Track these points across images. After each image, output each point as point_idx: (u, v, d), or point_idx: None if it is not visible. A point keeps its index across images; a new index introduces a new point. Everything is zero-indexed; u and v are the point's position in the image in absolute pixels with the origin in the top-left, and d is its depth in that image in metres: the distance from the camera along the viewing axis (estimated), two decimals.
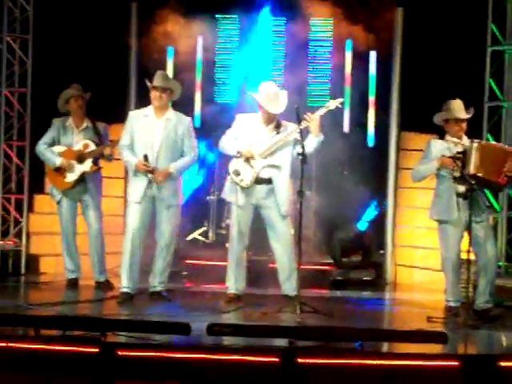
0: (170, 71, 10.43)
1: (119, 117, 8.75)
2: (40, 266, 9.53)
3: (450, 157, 7.42)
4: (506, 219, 9.15)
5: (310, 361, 5.58)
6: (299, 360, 5.56)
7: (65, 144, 8.51)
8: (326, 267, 9.60)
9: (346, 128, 10.67)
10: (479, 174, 7.28)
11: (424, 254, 9.48)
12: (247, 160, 7.85)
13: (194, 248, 10.30)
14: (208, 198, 10.59)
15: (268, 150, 7.86)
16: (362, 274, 9.46)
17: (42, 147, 8.52)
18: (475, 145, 7.32)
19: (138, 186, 7.87)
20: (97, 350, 5.61)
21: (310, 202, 10.03)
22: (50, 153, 8.48)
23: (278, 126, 7.92)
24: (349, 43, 10.59)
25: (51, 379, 5.58)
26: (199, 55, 10.76)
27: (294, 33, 10.33)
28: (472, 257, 7.33)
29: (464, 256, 7.43)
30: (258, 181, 7.88)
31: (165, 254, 7.99)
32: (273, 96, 7.84)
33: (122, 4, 9.90)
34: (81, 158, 8.43)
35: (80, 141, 8.49)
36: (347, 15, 9.71)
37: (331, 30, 10.66)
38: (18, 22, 9.56)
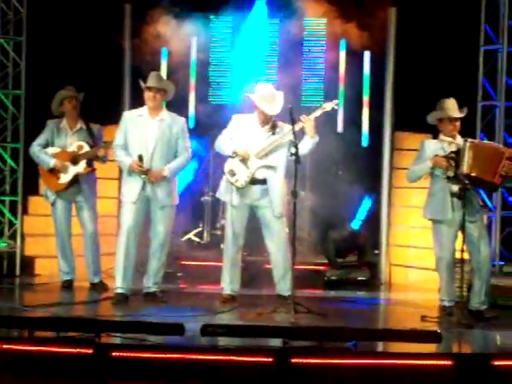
0: (163, 72, 10.44)
1: (113, 118, 8.72)
2: (35, 267, 9.49)
3: (443, 156, 7.42)
4: (500, 218, 9.15)
5: (305, 361, 5.60)
6: (293, 360, 5.58)
7: (59, 145, 8.50)
8: (321, 267, 9.58)
9: (340, 127, 10.68)
10: (472, 174, 7.28)
11: (418, 254, 9.47)
12: (243, 160, 7.86)
13: (188, 249, 10.30)
14: (203, 198, 10.60)
15: (263, 150, 7.87)
16: (356, 274, 9.45)
17: (35, 149, 8.51)
18: (468, 144, 7.31)
19: (132, 187, 7.87)
20: (91, 351, 5.62)
21: (305, 202, 10.06)
22: (44, 154, 8.47)
23: (273, 127, 7.93)
24: (343, 43, 10.60)
25: (46, 381, 5.59)
26: (193, 56, 10.78)
27: (287, 32, 10.34)
28: (466, 256, 7.33)
29: (458, 255, 7.44)
30: (253, 181, 7.88)
31: (159, 254, 7.98)
32: (269, 97, 7.84)
33: (116, 5, 9.90)
34: (75, 160, 8.42)
35: (74, 142, 8.49)
36: (341, 14, 9.69)
37: (325, 29, 10.65)
38: (11, 23, 9.54)
